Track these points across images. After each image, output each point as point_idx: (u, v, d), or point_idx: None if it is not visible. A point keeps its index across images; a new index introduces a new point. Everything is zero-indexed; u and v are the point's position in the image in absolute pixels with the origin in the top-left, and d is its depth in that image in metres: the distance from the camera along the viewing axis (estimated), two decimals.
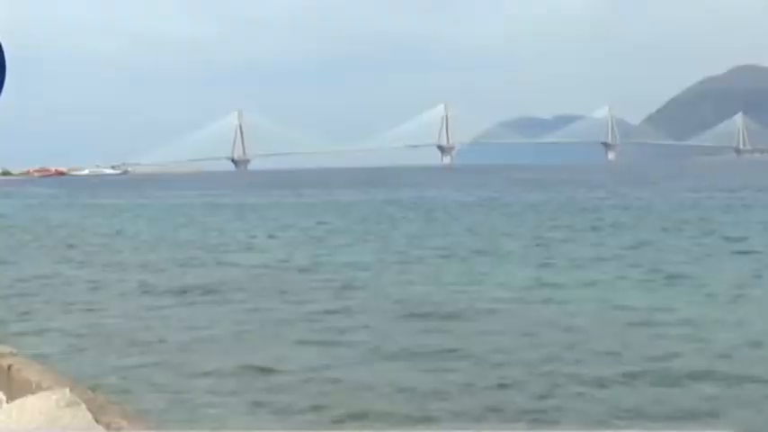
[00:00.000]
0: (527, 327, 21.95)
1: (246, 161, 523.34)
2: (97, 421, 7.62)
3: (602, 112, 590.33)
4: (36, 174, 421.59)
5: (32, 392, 8.57)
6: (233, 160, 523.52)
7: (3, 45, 6.42)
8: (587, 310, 24.16)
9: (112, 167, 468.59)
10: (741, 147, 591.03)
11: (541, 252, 39.15)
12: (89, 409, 7.79)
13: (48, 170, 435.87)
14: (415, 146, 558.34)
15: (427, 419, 14.61)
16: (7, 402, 9.02)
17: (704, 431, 13.38)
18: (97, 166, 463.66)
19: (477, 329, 21.95)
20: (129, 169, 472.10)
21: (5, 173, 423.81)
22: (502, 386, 16.68)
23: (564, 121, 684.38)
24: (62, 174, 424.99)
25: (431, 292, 27.92)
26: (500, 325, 22.53)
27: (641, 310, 23.88)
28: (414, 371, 17.90)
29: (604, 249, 39.37)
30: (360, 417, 14.77)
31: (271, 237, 51.35)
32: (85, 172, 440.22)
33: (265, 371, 17.99)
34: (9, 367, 9.48)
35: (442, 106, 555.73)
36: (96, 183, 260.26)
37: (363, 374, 17.82)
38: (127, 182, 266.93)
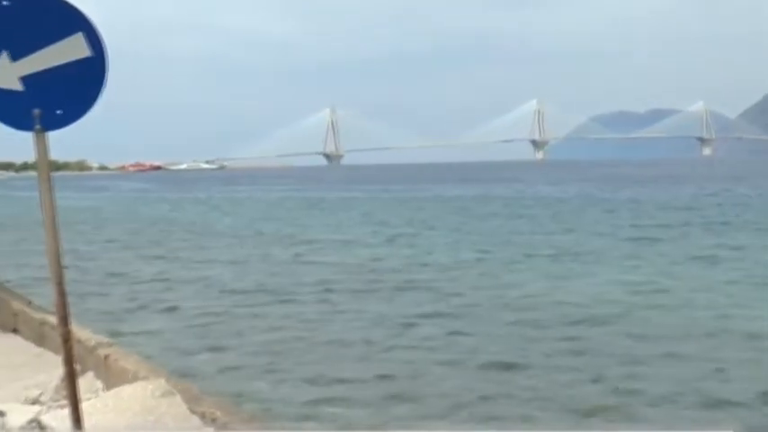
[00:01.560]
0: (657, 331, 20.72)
1: (339, 156, 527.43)
2: (192, 411, 7.60)
3: (697, 106, 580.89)
4: (131, 168, 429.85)
5: (129, 382, 8.60)
6: (326, 155, 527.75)
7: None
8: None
9: (207, 162, 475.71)
10: None
11: (649, 251, 37.55)
12: (184, 400, 7.78)
13: (143, 165, 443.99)
14: (509, 141, 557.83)
15: None
16: (104, 391, 9.08)
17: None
18: (194, 161, 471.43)
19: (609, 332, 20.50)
20: (226, 164, 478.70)
21: (102, 167, 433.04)
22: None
23: (658, 115, 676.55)
24: (158, 168, 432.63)
25: (548, 293, 26.33)
26: (636, 328, 20.87)
27: None
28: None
29: (715, 248, 37.88)
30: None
31: (373, 234, 49.57)
32: (183, 166, 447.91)
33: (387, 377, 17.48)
34: (106, 357, 9.55)
35: (534, 101, 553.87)
36: (193, 177, 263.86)
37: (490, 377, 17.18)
38: (224, 177, 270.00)
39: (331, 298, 26.34)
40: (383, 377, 16.91)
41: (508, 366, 17.52)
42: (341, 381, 16.74)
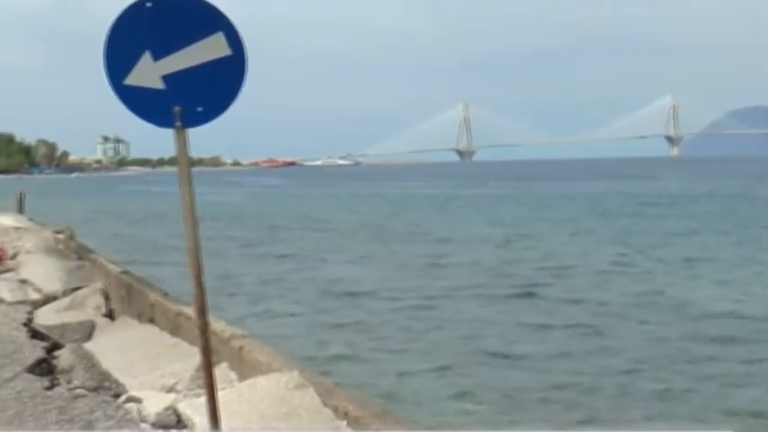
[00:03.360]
0: None
1: (472, 153, 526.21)
2: (325, 404, 7.67)
3: None
4: (264, 164, 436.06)
5: (262, 373, 8.73)
6: (458, 152, 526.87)
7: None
8: None
9: (342, 158, 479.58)
10: None
11: None
12: (317, 392, 7.86)
13: (275, 161, 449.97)
14: (643, 137, 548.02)
15: None
16: (238, 382, 9.24)
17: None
18: (329, 157, 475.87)
19: None
20: (361, 160, 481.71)
21: (235, 163, 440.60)
22: None
23: None
24: (291, 164, 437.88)
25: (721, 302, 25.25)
26: None
27: None
28: None
29: None
30: None
31: (510, 233, 48.40)
32: (318, 163, 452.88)
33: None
34: (240, 349, 9.71)
35: (669, 96, 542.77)
36: (328, 173, 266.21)
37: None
38: (359, 173, 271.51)
39: (471, 299, 26.12)
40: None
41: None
42: (484, 385, 16.58)
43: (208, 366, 6.55)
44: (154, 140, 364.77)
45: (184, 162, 6.51)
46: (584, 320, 22.81)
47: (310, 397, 7.76)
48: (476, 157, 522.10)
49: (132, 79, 6.46)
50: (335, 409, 7.57)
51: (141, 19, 6.41)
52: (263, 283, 30.49)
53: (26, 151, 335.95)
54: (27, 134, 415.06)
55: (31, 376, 10.51)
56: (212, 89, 6.51)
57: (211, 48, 6.45)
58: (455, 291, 27.64)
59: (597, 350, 19.43)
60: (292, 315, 24.03)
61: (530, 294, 26.99)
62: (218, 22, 6.47)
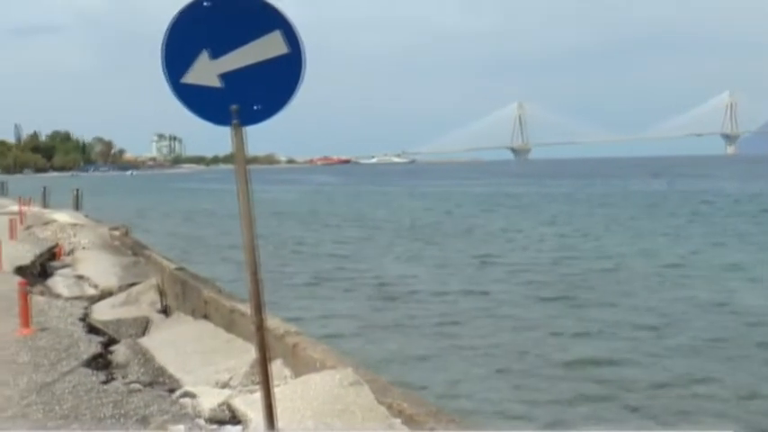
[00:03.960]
0: None
1: (527, 150, 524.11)
2: (379, 402, 7.68)
3: None
4: (319, 162, 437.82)
5: (316, 370, 8.76)
6: (513, 150, 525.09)
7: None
8: None
9: (398, 156, 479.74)
10: None
11: None
12: (372, 390, 7.87)
13: (330, 159, 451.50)
14: (700, 135, 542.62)
15: None
16: (292, 378, 9.28)
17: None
18: (385, 155, 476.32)
19: None
20: (416, 158, 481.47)
21: (290, 161, 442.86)
22: None
23: None
24: (346, 162, 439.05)
25: None
26: None
27: None
28: None
29: None
30: None
31: (577, 235, 47.28)
32: (374, 160, 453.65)
33: None
34: (294, 345, 9.76)
35: (726, 93, 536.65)
36: (384, 171, 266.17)
37: None
38: (414, 170, 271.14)
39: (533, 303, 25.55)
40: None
41: None
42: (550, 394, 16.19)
43: (264, 363, 6.58)
44: (208, 138, 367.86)
45: (241, 160, 6.55)
46: (643, 324, 22.20)
47: (365, 394, 7.77)
48: (530, 156, 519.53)
49: (190, 77, 6.51)
50: (390, 407, 7.57)
51: (199, 18, 6.46)
52: (316, 281, 30.53)
53: (82, 149, 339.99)
54: (83, 132, 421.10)
55: (87, 370, 10.64)
56: (270, 87, 6.54)
57: (269, 46, 6.48)
58: (508, 292, 27.27)
59: (656, 356, 18.88)
60: (343, 314, 23.96)
61: (584, 296, 26.46)
62: (276, 21, 6.48)
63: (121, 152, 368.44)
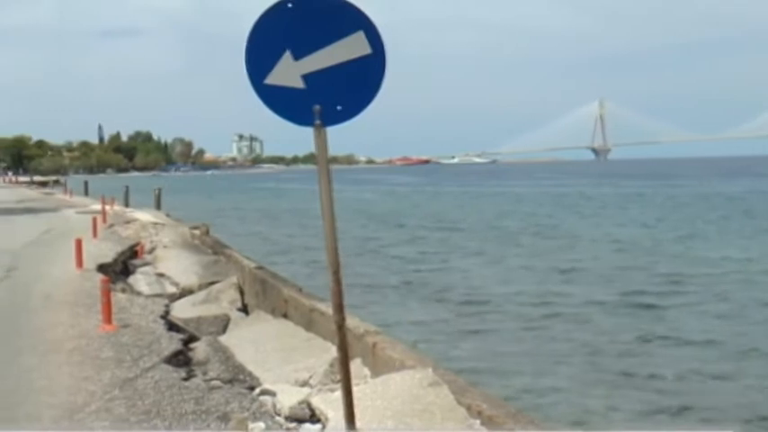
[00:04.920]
0: None
1: (607, 150, 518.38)
2: (459, 403, 7.65)
3: None
4: (399, 162, 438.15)
5: (396, 370, 8.76)
6: (593, 150, 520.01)
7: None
8: None
9: (479, 156, 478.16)
10: None
11: None
12: (451, 390, 7.85)
13: (410, 159, 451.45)
14: None
15: None
16: (371, 378, 9.29)
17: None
18: (466, 155, 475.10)
19: None
20: (498, 158, 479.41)
21: (369, 161, 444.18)
22: None
23: None
24: (426, 162, 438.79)
25: None
26: None
27: None
28: None
29: None
30: None
31: (657, 238, 45.82)
32: (455, 160, 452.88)
33: None
34: (374, 345, 9.78)
35: None
36: (464, 171, 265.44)
37: None
38: (496, 170, 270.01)
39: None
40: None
41: None
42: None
43: (344, 362, 6.60)
44: (288, 138, 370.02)
45: (323, 160, 6.59)
46: (725, 335, 21.36)
47: (444, 395, 7.76)
48: (611, 156, 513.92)
49: (273, 78, 6.57)
50: (469, 408, 7.55)
51: (282, 19, 6.51)
52: (393, 282, 30.55)
53: (163, 149, 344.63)
54: (165, 133, 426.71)
55: (168, 367, 10.75)
56: (352, 88, 6.58)
57: (352, 46, 6.51)
58: (585, 298, 26.67)
59: (742, 369, 18.26)
60: (422, 318, 23.87)
61: (663, 304, 25.67)
62: (359, 21, 6.52)
63: (202, 152, 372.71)
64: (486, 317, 23.92)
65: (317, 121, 6.54)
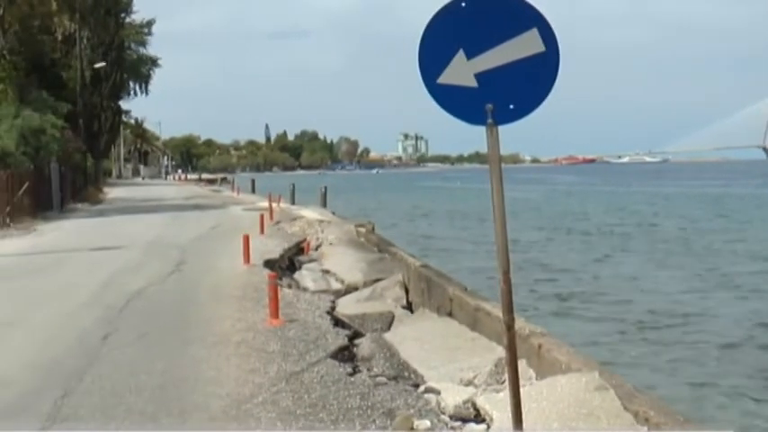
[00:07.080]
0: None
1: None
2: (625, 408, 7.52)
3: None
4: (564, 161, 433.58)
5: (561, 372, 8.68)
6: (765, 149, 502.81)
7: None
8: None
9: (649, 155, 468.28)
10: None
11: None
12: (617, 395, 7.73)
13: (575, 158, 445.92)
14: None
15: None
16: (536, 379, 9.22)
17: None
18: (636, 154, 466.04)
19: None
20: (669, 157, 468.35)
21: (534, 160, 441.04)
22: None
23: None
24: (592, 161, 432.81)
25: None
26: None
27: None
28: None
29: None
30: None
31: None
32: (625, 159, 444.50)
33: None
34: (539, 346, 9.70)
35: None
36: (633, 170, 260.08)
37: None
38: (665, 170, 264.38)
39: None
40: None
41: None
42: None
43: (513, 363, 6.57)
44: (453, 137, 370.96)
45: (496, 159, 6.56)
46: None
47: (611, 399, 7.64)
48: None
49: (445, 78, 6.59)
50: (636, 414, 7.40)
51: (456, 18, 6.53)
52: (554, 284, 30.10)
53: (329, 148, 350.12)
54: (330, 132, 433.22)
55: (334, 362, 10.88)
56: (524, 86, 6.54)
57: (525, 44, 6.48)
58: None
59: None
60: (578, 321, 23.42)
61: None
62: (533, 19, 6.48)
63: (367, 151, 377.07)
64: (645, 326, 22.84)
65: (490, 120, 6.52)
